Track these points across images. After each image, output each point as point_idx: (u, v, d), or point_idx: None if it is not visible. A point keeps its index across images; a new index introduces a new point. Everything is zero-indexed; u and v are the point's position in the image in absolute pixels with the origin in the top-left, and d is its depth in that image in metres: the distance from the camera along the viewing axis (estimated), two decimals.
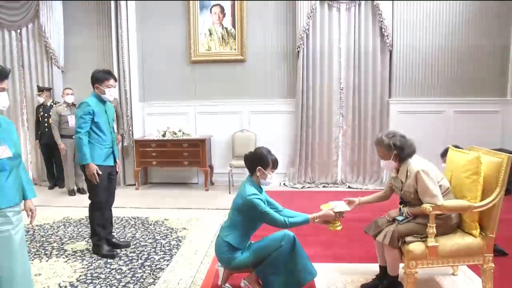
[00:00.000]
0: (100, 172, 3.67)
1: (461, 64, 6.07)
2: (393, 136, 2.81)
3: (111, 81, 3.75)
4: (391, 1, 5.98)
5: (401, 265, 2.85)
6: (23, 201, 2.39)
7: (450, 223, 2.79)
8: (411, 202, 2.84)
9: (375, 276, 3.10)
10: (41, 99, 6.45)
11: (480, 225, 2.76)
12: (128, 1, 6.37)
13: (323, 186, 6.39)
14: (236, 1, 6.37)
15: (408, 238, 2.71)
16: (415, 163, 2.78)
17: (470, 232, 2.77)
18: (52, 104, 6.44)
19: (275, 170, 3.00)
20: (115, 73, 6.40)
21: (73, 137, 5.72)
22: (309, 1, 6.03)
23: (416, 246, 2.68)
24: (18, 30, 6.85)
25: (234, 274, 3.03)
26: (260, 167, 2.89)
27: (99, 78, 3.72)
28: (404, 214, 2.83)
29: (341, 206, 3.02)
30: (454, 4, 5.98)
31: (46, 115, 6.32)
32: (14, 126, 2.41)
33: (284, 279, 2.77)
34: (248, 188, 2.87)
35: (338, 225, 2.95)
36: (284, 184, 6.52)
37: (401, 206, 2.90)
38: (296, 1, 6.11)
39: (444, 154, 3.71)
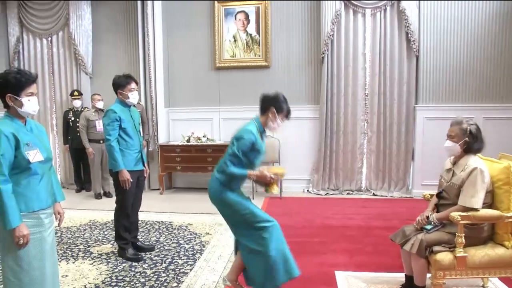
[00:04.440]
0: (132, 180, 3.73)
1: (491, 68, 5.89)
2: (472, 124, 2.79)
3: (133, 85, 3.81)
4: (418, 3, 5.88)
5: (428, 275, 2.78)
6: None
7: (481, 235, 2.71)
8: (448, 199, 2.77)
9: (400, 286, 3.04)
10: (78, 103, 6.63)
11: None
12: (154, 9, 6.49)
13: (347, 193, 6.30)
14: (260, 8, 6.40)
15: (436, 248, 2.64)
16: (477, 161, 2.72)
17: (502, 243, 2.68)
18: (82, 109, 6.61)
19: (286, 120, 2.98)
20: (141, 80, 6.54)
21: (101, 142, 5.96)
22: (334, 7, 6.00)
23: (444, 256, 2.61)
24: (49, 38, 7.08)
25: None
26: (273, 108, 2.88)
27: (121, 83, 3.78)
28: (432, 222, 2.76)
29: None
30: (482, 8, 5.82)
31: (77, 120, 6.47)
32: (45, 131, 2.48)
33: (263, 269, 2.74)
34: (252, 125, 2.88)
35: (274, 188, 2.90)
36: (307, 190, 6.47)
37: (430, 214, 2.83)
38: (321, 7, 6.09)
39: None
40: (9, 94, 2.21)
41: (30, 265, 2.22)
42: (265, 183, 2.87)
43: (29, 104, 2.25)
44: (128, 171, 3.70)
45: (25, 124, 2.30)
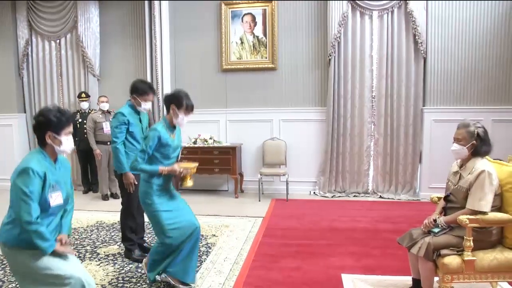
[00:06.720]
0: (136, 182, 3.73)
1: (499, 70, 5.84)
2: (480, 126, 2.77)
3: (150, 96, 3.78)
4: (425, 5, 5.85)
5: (436, 278, 2.76)
6: None
7: (490, 239, 2.67)
8: (455, 202, 2.74)
9: None
10: (85, 105, 6.67)
11: None
12: (161, 11, 6.52)
13: (354, 196, 6.28)
14: (267, 10, 6.41)
15: (443, 251, 2.61)
16: (485, 164, 2.68)
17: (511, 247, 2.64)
18: (89, 111, 6.65)
19: (189, 115, 3.11)
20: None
21: (108, 143, 5.99)
22: (341, 9, 5.99)
23: (452, 260, 2.58)
24: (58, 40, 7.14)
25: None
26: (173, 105, 3.03)
27: (139, 90, 3.73)
28: (440, 226, 2.74)
29: None
30: (490, 9, 5.78)
31: (84, 122, 6.52)
32: (70, 167, 2.51)
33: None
34: (158, 123, 3.07)
35: (187, 181, 3.18)
36: (314, 193, 6.46)
37: (437, 217, 2.80)
38: (328, 9, 6.09)
39: None
40: (50, 133, 2.24)
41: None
42: (179, 177, 3.15)
43: (67, 142, 2.30)
44: (133, 173, 3.71)
45: (55, 162, 2.32)
